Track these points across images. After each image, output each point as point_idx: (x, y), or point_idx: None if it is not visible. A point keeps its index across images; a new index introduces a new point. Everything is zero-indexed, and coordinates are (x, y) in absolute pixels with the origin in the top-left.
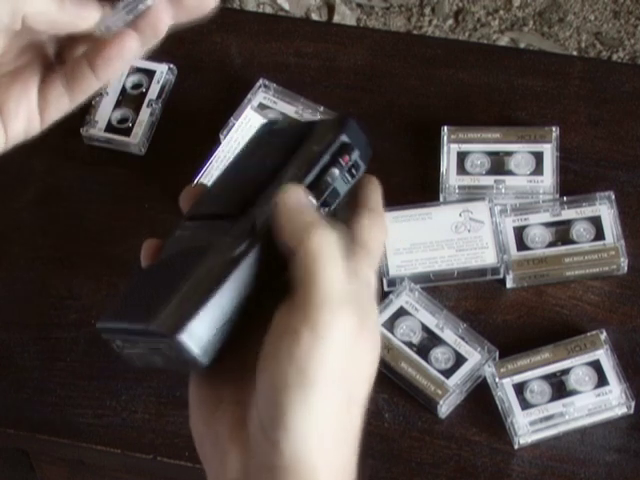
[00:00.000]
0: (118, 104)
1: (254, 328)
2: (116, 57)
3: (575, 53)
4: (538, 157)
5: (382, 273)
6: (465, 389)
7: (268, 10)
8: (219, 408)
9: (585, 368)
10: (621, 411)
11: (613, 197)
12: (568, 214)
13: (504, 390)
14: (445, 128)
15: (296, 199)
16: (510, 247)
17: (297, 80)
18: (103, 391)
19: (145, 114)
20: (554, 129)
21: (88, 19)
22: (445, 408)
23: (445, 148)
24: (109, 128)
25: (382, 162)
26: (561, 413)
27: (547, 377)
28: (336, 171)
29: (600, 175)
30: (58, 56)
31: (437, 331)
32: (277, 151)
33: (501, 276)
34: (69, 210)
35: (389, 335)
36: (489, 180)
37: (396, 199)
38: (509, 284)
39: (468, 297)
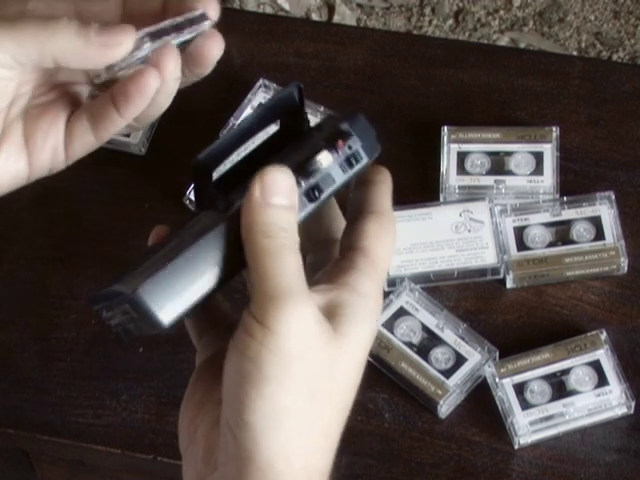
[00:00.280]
0: None
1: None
2: (137, 94)
3: (575, 53)
4: (538, 157)
5: None
6: (465, 389)
7: (268, 10)
8: (204, 408)
9: (585, 368)
10: (621, 411)
11: (613, 197)
12: (568, 214)
13: (504, 390)
14: (445, 128)
15: (273, 188)
16: (510, 247)
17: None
18: (103, 391)
19: None
20: (554, 129)
21: (117, 49)
22: (445, 408)
23: (445, 148)
24: None
25: (382, 162)
26: (561, 413)
27: (547, 377)
28: (328, 154)
29: (600, 175)
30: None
31: (437, 331)
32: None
33: (501, 276)
34: (69, 210)
35: (389, 335)
36: (489, 180)
37: (396, 199)
38: (509, 284)
39: (468, 297)
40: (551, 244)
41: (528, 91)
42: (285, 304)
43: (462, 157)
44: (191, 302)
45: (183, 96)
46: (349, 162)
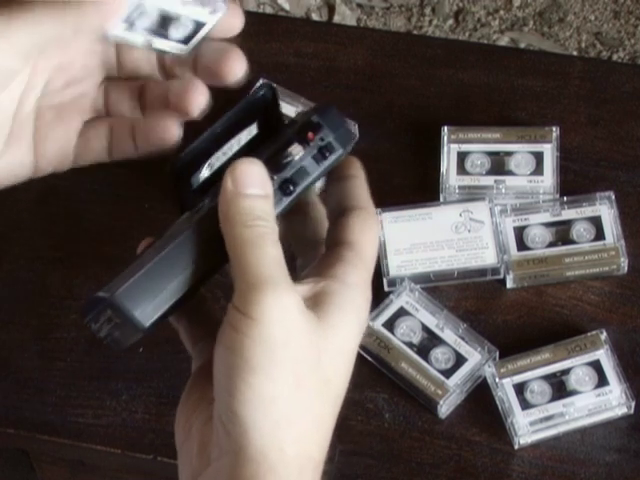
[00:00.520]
0: None
1: None
2: (157, 142)
3: (575, 53)
4: (538, 157)
5: (382, 273)
6: (465, 389)
7: (268, 10)
8: (199, 407)
9: (585, 368)
10: (621, 411)
11: (613, 197)
12: (568, 214)
13: (504, 390)
14: (445, 128)
15: (244, 177)
16: (510, 247)
17: (297, 80)
18: (103, 391)
19: None
20: (554, 129)
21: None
22: (445, 408)
23: (445, 148)
24: None
25: (382, 162)
26: (561, 413)
27: (547, 377)
28: (299, 147)
29: (600, 175)
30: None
31: (437, 331)
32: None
33: (501, 276)
34: (69, 210)
35: (389, 335)
36: (489, 180)
37: (396, 199)
38: (509, 284)
39: (468, 297)
40: (551, 244)
41: (528, 91)
42: (266, 293)
43: (462, 157)
44: (169, 302)
45: None
46: (322, 154)
